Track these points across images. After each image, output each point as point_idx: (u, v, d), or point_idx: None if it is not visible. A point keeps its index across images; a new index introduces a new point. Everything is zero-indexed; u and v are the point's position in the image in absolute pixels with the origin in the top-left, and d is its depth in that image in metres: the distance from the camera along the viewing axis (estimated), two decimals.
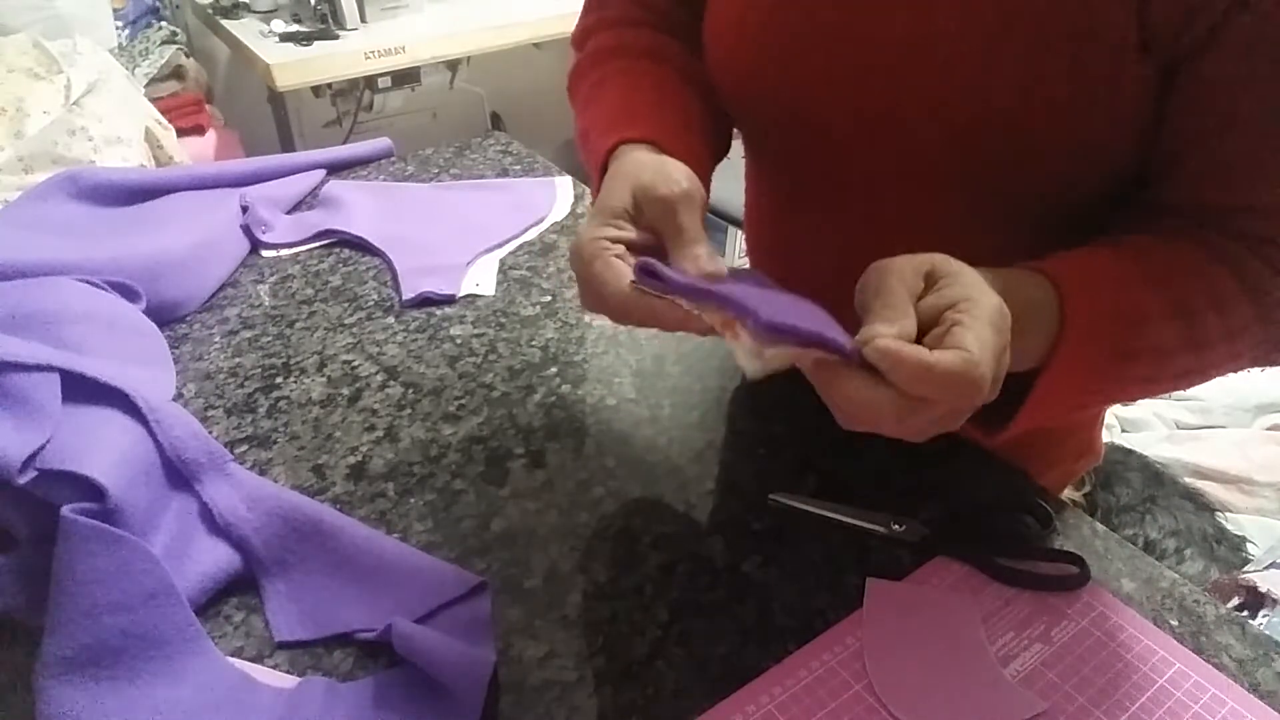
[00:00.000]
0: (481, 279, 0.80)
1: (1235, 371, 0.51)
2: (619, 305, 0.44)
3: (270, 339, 0.72)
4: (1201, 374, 0.50)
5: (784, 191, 0.67)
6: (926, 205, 0.55)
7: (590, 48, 0.67)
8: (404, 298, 0.76)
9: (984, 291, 0.40)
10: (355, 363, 0.69)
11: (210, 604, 0.50)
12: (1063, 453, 0.73)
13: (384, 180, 0.96)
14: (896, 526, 0.54)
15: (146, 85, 1.69)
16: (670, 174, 0.46)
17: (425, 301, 0.76)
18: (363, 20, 1.87)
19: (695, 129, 0.58)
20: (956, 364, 0.36)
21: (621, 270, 0.44)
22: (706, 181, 0.54)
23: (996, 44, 0.48)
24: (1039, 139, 0.49)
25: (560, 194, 0.94)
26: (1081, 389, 0.47)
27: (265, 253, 0.83)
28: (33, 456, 0.47)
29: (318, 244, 0.85)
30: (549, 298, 0.78)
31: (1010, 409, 0.46)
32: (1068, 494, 1.40)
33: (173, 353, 0.69)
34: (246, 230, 0.83)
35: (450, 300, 0.77)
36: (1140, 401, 1.74)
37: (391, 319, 0.75)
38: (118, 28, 1.76)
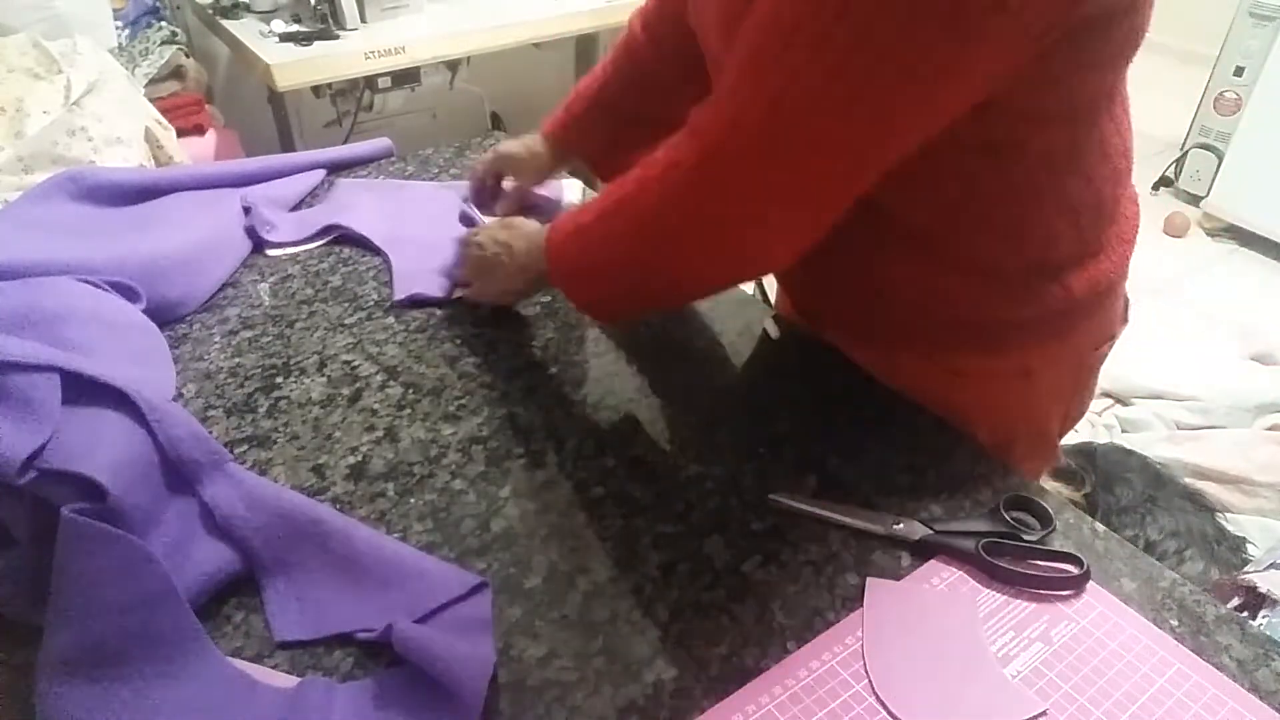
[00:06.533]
0: None
1: None
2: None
3: (270, 339, 0.72)
4: None
5: None
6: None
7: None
8: (395, 298, 0.76)
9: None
10: (355, 363, 0.69)
11: (210, 604, 0.50)
12: (1012, 456, 0.72)
13: (384, 180, 0.96)
14: (896, 526, 0.54)
15: (146, 85, 1.68)
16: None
17: (425, 301, 0.76)
18: (363, 20, 1.86)
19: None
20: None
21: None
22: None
23: None
24: None
25: (565, 195, 0.94)
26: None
27: (271, 252, 0.83)
28: (33, 456, 0.47)
29: (318, 244, 0.85)
30: (549, 298, 0.78)
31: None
32: (1068, 494, 1.40)
33: (173, 353, 0.69)
34: (249, 230, 0.83)
35: (449, 300, 0.77)
36: (1141, 401, 1.74)
37: (391, 319, 0.75)
38: (118, 28, 1.76)
